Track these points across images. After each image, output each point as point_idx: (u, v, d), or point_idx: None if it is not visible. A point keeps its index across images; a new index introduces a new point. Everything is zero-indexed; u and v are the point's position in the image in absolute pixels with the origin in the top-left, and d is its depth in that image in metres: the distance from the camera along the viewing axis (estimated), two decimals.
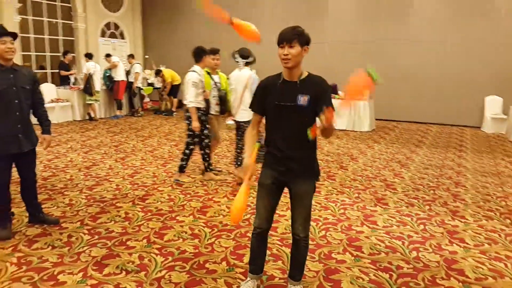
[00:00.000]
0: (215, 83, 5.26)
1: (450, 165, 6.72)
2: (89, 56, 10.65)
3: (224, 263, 3.13)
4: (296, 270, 2.70)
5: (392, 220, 4.14)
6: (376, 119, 11.58)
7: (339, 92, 11.01)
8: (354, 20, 12.56)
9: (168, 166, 5.97)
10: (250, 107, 2.67)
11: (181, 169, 5.28)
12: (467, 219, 4.23)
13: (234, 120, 5.12)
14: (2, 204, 3.43)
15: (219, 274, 2.96)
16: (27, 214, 3.78)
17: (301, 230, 2.56)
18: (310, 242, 3.41)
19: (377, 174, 5.96)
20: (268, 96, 2.52)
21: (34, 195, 3.70)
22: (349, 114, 10.44)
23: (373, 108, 10.80)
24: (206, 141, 5.17)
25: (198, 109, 4.98)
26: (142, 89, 12.02)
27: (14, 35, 3.32)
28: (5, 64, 3.27)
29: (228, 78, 5.27)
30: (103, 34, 14.50)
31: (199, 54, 5.10)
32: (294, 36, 2.36)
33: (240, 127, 5.03)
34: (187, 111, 5.05)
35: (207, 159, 5.30)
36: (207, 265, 3.08)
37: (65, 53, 11.18)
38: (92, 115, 10.51)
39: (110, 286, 2.75)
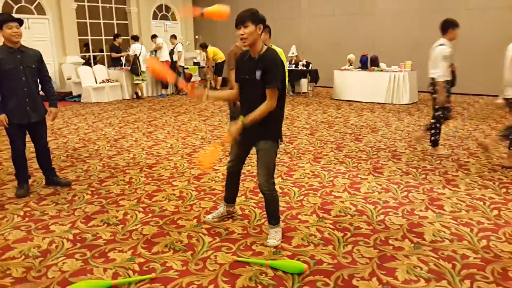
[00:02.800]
0: None
1: (476, 136, 6.44)
2: (135, 38, 11.38)
3: (195, 220, 3.46)
4: (269, 217, 3.11)
5: (377, 187, 4.19)
6: (422, 92, 11.15)
7: (380, 64, 10.74)
8: None
9: (187, 139, 6.40)
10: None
11: (436, 143, 5.42)
12: (459, 188, 4.16)
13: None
14: (19, 167, 4.04)
15: (186, 228, 3.29)
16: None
17: (263, 183, 2.94)
18: (284, 204, 3.67)
19: (389, 145, 5.91)
20: (238, 69, 3.00)
21: (47, 160, 4.26)
22: (387, 87, 10.16)
23: (415, 80, 10.40)
24: (442, 114, 5.29)
25: (445, 81, 5.12)
26: (186, 68, 12.59)
27: (20, 21, 3.82)
28: (13, 46, 3.80)
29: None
30: (155, 17, 15.23)
31: (446, 27, 5.18)
32: (246, 18, 2.75)
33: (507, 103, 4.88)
34: (433, 84, 5.20)
35: (438, 132, 5.40)
36: (179, 222, 3.43)
37: (116, 36, 11.99)
38: (139, 94, 11.28)
39: (89, 235, 3.21)
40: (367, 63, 10.80)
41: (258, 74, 2.80)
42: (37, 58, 3.97)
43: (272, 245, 2.98)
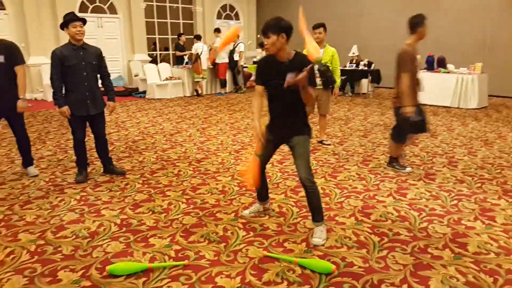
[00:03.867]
0: None
1: None
2: (197, 37, 11.77)
3: (233, 214, 3.55)
4: (314, 213, 3.13)
5: (425, 194, 4.02)
6: (493, 96, 10.48)
7: (448, 65, 10.20)
8: None
9: (238, 136, 6.54)
10: (254, 81, 3.22)
11: None
12: None
13: None
14: (79, 155, 4.39)
15: (223, 221, 3.40)
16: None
17: (305, 177, 2.99)
18: (323, 205, 3.65)
19: (447, 151, 5.61)
20: (266, 73, 3.06)
21: (105, 150, 4.58)
22: (454, 90, 9.63)
23: (485, 83, 9.75)
24: None
25: None
26: (246, 67, 12.81)
27: (83, 20, 4.13)
28: (76, 43, 4.12)
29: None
30: (219, 16, 15.65)
31: None
32: (267, 29, 2.86)
33: None
34: None
35: None
36: (217, 214, 3.54)
37: (179, 35, 12.50)
38: (199, 91, 11.67)
39: (134, 221, 3.42)
40: (434, 64, 10.30)
41: (290, 76, 2.82)
42: (98, 55, 4.28)
43: (318, 244, 2.99)
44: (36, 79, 10.99)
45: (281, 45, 2.89)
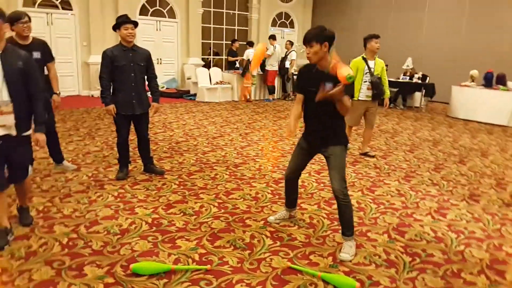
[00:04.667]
0: (369, 68, 5.52)
1: None
2: (250, 44, 11.93)
3: (262, 222, 3.53)
4: (343, 227, 3.05)
5: (466, 216, 3.79)
6: None
7: (508, 83, 9.61)
8: None
9: (279, 143, 6.52)
10: (294, 89, 3.19)
11: None
12: None
13: None
14: (121, 153, 4.56)
15: (251, 228, 3.39)
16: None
17: (338, 189, 2.94)
18: (356, 219, 3.56)
19: (497, 173, 5.28)
20: (306, 81, 3.06)
21: (146, 149, 4.72)
22: None
23: None
24: None
25: None
26: (296, 74, 12.76)
27: (135, 23, 4.30)
28: (127, 45, 4.30)
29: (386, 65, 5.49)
30: (274, 24, 15.75)
31: None
32: (311, 38, 2.85)
33: None
34: None
35: None
36: (246, 221, 3.54)
37: (233, 41, 12.70)
38: (248, 97, 11.78)
39: (165, 221, 3.50)
40: (492, 81, 9.74)
41: (329, 86, 2.85)
42: (146, 57, 4.43)
43: (345, 259, 2.91)
44: (95, 77, 11.59)
45: (323, 54, 2.87)
